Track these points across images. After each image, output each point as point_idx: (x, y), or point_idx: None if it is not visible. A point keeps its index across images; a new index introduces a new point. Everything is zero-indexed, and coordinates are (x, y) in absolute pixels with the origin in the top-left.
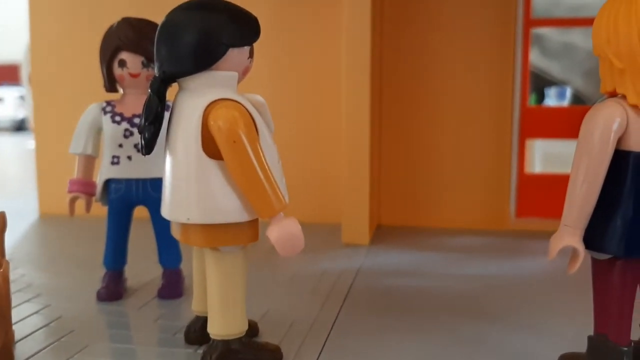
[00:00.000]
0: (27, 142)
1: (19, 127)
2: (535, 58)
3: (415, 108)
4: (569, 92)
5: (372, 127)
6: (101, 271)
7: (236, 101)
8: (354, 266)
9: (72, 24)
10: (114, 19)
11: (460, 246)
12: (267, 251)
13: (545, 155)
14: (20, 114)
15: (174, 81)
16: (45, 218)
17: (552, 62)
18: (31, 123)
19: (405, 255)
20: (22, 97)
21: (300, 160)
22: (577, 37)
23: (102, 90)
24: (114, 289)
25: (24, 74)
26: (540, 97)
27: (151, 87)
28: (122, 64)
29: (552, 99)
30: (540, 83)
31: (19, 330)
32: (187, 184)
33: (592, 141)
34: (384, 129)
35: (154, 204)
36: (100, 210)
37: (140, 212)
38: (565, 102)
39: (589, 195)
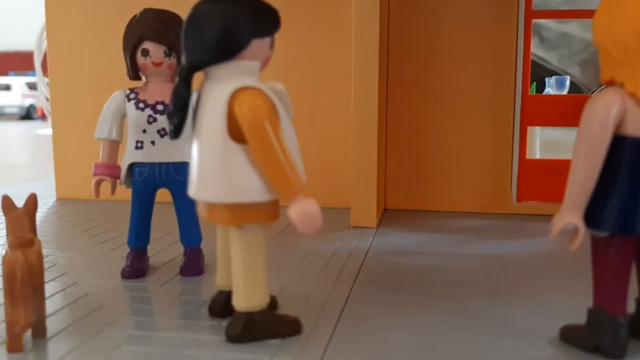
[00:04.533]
0: (36, 129)
1: (26, 114)
2: (534, 47)
3: (421, 96)
4: (568, 82)
5: (379, 114)
6: (123, 251)
7: (259, 89)
8: (363, 246)
9: (89, 12)
10: (130, 5)
11: (464, 228)
12: (280, 233)
13: (541, 142)
14: (26, 101)
15: (200, 70)
16: (63, 202)
17: (550, 51)
18: (39, 110)
19: (411, 236)
20: (29, 85)
21: (310, 145)
22: (575, 27)
23: (117, 77)
24: (137, 266)
25: (37, 60)
26: (540, 86)
27: (179, 75)
28: (145, 53)
29: (552, 88)
30: (538, 72)
31: (48, 306)
32: (213, 166)
33: (592, 127)
34: (391, 117)
35: (176, 186)
36: (116, 195)
37: (161, 196)
38: (565, 91)
39: (588, 177)
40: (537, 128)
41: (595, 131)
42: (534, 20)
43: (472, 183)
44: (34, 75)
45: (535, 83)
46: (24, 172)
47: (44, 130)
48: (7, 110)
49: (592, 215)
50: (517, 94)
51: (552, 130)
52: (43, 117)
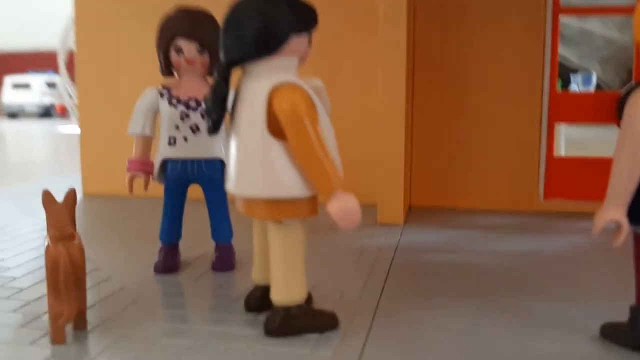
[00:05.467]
0: (56, 127)
1: (46, 112)
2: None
3: (448, 93)
4: (594, 78)
5: (406, 112)
6: (152, 246)
7: (298, 85)
8: (392, 243)
9: (117, 11)
10: (159, 4)
11: (491, 225)
12: (309, 230)
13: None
14: (46, 99)
15: (238, 65)
16: (89, 198)
17: (570, 48)
18: (58, 108)
19: (439, 233)
20: (49, 84)
21: (338, 142)
22: (595, 25)
23: (143, 74)
24: (170, 261)
25: (61, 59)
26: (565, 83)
27: (218, 72)
28: (179, 50)
29: (577, 85)
30: (559, 69)
31: None
32: (253, 162)
33: (635, 124)
34: (417, 115)
35: (208, 182)
36: (143, 191)
37: (192, 193)
38: (592, 88)
39: (631, 173)
40: (563, 126)
41: (638, 129)
42: None
43: (499, 180)
44: (52, 73)
45: (560, 80)
46: (46, 169)
47: (64, 127)
48: (27, 109)
49: (636, 211)
50: (544, 90)
51: (577, 130)
52: (62, 115)
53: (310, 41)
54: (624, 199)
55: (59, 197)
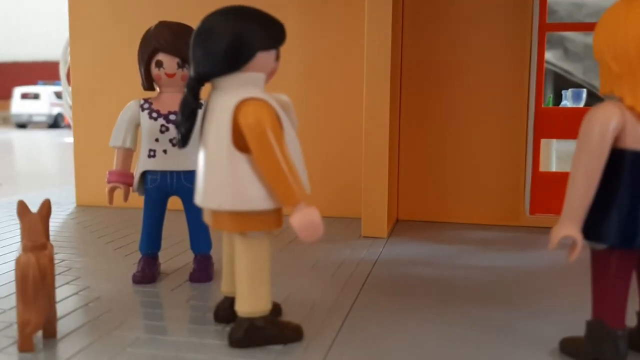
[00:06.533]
0: (62, 137)
1: (54, 123)
2: (559, 60)
3: (434, 107)
4: (584, 94)
5: (391, 125)
6: (136, 257)
7: (263, 100)
8: (372, 256)
9: (110, 25)
10: (150, 18)
11: (476, 240)
12: (291, 241)
13: (558, 154)
14: (54, 110)
15: (208, 81)
16: (82, 208)
17: (575, 63)
18: (66, 118)
19: (421, 247)
20: (57, 94)
21: (322, 156)
22: None
23: (137, 87)
24: (148, 272)
25: (62, 70)
26: (559, 99)
27: (187, 86)
28: (159, 64)
29: (568, 101)
30: (563, 84)
31: (60, 308)
32: (219, 175)
33: (591, 140)
34: (403, 128)
35: (187, 194)
36: (134, 202)
37: (173, 204)
38: (581, 104)
39: (587, 189)
40: (553, 140)
41: (594, 143)
42: (558, 33)
43: (485, 195)
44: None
45: (551, 96)
46: (50, 179)
47: (70, 138)
48: (36, 119)
49: (592, 228)
50: (530, 106)
51: (569, 144)
52: (69, 125)
53: (278, 57)
54: (580, 214)
55: (56, 207)
